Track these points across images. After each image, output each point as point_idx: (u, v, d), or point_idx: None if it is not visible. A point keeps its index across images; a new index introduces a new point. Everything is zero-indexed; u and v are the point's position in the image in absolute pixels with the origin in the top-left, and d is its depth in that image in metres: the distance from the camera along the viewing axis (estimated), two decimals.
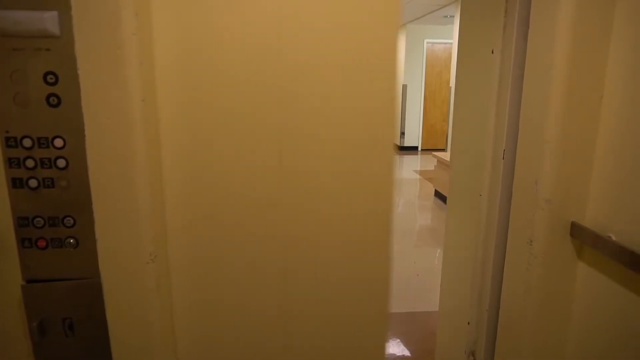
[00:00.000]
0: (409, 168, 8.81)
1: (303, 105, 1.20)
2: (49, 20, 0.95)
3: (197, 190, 1.24)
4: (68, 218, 1.05)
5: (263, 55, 1.17)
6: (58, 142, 1.01)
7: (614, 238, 1.11)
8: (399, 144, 10.54)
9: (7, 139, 1.00)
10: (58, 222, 1.05)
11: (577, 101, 1.13)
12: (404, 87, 10.14)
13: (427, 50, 9.94)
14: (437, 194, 6.48)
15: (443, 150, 9.65)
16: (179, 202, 1.24)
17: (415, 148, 10.62)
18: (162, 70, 1.16)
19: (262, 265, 1.31)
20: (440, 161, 6.02)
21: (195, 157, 1.22)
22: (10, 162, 1.01)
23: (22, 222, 1.04)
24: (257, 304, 1.33)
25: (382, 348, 1.36)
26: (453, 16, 7.92)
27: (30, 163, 1.02)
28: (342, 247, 1.30)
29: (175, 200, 1.23)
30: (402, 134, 10.49)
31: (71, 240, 1.06)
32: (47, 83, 0.99)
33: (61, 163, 1.02)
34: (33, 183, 1.02)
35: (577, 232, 1.19)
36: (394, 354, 2.31)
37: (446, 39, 9.56)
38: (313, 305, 1.34)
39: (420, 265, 3.98)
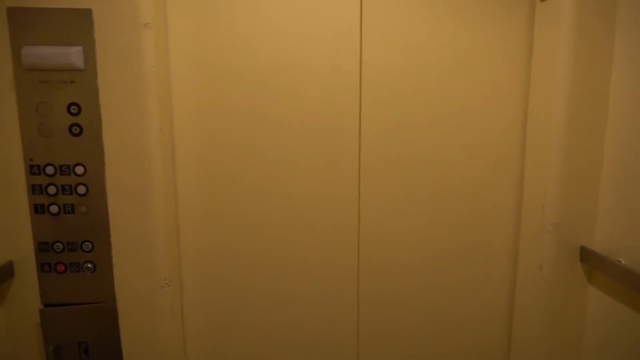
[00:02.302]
0: None
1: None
2: (74, 54, 1.01)
3: (212, 217, 1.27)
4: (86, 243, 1.08)
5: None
6: (79, 170, 1.05)
7: (623, 262, 1.11)
8: None
9: (31, 167, 1.04)
10: (77, 247, 1.08)
11: (582, 124, 1.15)
12: None
13: None
14: None
15: None
16: (194, 228, 1.27)
17: None
18: (179, 100, 1.21)
19: (274, 289, 1.32)
20: None
21: (211, 185, 1.26)
22: (34, 189, 1.05)
23: (42, 247, 1.08)
24: (269, 327, 1.34)
25: None
26: None
27: (52, 190, 1.05)
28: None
29: (190, 226, 1.27)
30: None
31: (89, 265, 1.09)
32: (70, 113, 1.04)
33: (81, 190, 1.06)
34: (54, 209, 1.06)
35: (586, 256, 1.20)
36: None
37: None
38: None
39: None
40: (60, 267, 1.08)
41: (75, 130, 1.04)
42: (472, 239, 1.35)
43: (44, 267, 1.08)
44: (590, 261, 1.19)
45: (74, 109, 1.03)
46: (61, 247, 1.08)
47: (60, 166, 1.05)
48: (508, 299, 1.39)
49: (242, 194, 1.27)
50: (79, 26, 1.01)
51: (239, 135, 1.24)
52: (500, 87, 1.28)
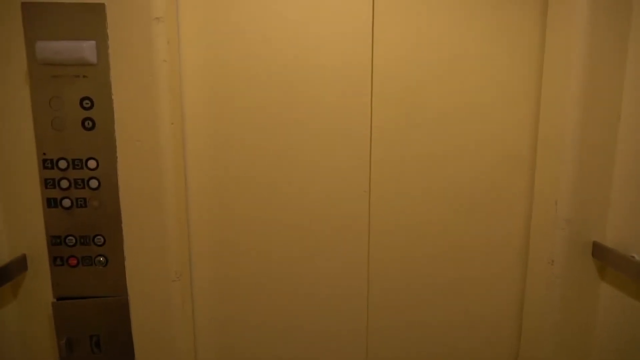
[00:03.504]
0: None
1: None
2: (87, 49, 1.01)
3: (223, 212, 1.28)
4: (98, 237, 1.09)
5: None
6: (91, 164, 1.06)
7: (637, 258, 1.10)
8: None
9: (44, 160, 1.05)
10: (89, 240, 1.09)
11: (595, 120, 1.14)
12: None
13: None
14: None
15: None
16: (205, 223, 1.27)
17: None
18: (191, 95, 1.21)
19: (284, 286, 1.32)
20: None
21: (222, 180, 1.27)
22: (46, 183, 1.06)
23: (55, 241, 1.08)
24: (278, 322, 1.35)
25: None
26: None
27: (64, 184, 1.06)
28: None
29: (200, 221, 1.27)
30: None
31: (101, 259, 1.10)
32: (83, 108, 1.04)
33: (94, 183, 1.07)
34: (67, 203, 1.07)
35: (598, 252, 1.19)
36: None
37: None
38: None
39: None
40: (73, 261, 1.09)
41: (88, 124, 1.05)
42: (482, 234, 1.34)
43: (56, 261, 1.09)
44: (603, 257, 1.18)
45: (86, 103, 1.04)
46: (73, 240, 1.09)
47: (73, 160, 1.06)
48: (519, 295, 1.38)
49: (253, 190, 1.27)
50: (92, 21, 1.01)
51: (250, 131, 1.24)
52: (512, 83, 1.28)
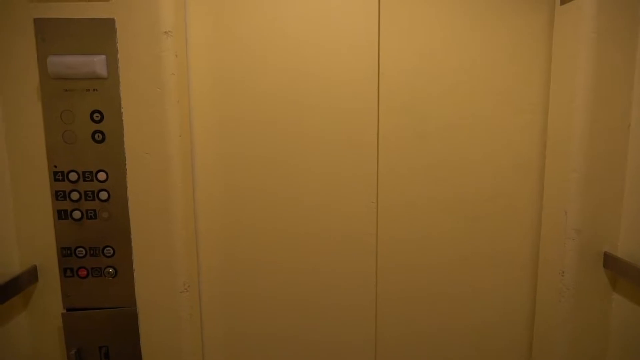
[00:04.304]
0: None
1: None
2: (98, 63, 1.03)
3: (231, 224, 1.29)
4: (108, 248, 1.10)
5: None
6: (101, 176, 1.07)
7: None
8: None
9: (55, 173, 1.07)
10: (99, 252, 1.10)
11: (604, 128, 1.13)
12: None
13: None
14: None
15: None
16: (213, 235, 1.28)
17: None
18: (199, 108, 1.22)
19: (293, 296, 1.32)
20: None
21: (230, 192, 1.27)
22: (57, 195, 1.07)
23: (65, 252, 1.09)
24: (286, 333, 1.34)
25: None
26: None
27: (75, 196, 1.07)
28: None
29: (209, 233, 1.28)
30: None
31: (110, 270, 1.11)
32: (93, 121, 1.06)
33: (103, 195, 1.08)
34: (77, 215, 1.08)
35: (610, 262, 1.17)
36: None
37: None
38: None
39: None
40: (83, 272, 1.10)
41: (98, 137, 1.06)
42: (492, 245, 1.33)
43: (66, 272, 1.10)
44: (614, 267, 1.17)
45: (97, 117, 1.06)
46: (83, 252, 1.10)
47: (84, 172, 1.07)
48: (530, 306, 1.36)
49: (261, 202, 1.28)
50: (102, 35, 1.03)
51: (257, 143, 1.25)
52: (519, 92, 1.27)
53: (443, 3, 1.23)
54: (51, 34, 1.03)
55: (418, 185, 1.30)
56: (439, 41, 1.24)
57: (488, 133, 1.28)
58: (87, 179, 1.07)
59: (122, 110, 1.06)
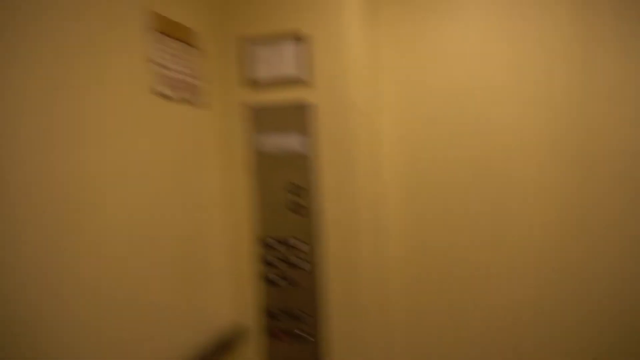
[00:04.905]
0: None
1: None
2: (297, 141, 1.15)
3: (420, 279, 1.32)
4: (307, 315, 1.17)
5: None
6: (303, 246, 1.16)
7: None
8: None
9: (264, 242, 1.19)
10: (299, 317, 1.17)
11: None
12: None
13: None
14: None
15: None
16: (402, 293, 1.32)
17: None
18: (392, 181, 1.31)
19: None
20: None
21: (420, 250, 1.32)
22: (261, 261, 1.19)
23: (269, 316, 1.19)
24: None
25: None
26: None
27: (277, 262, 1.17)
28: None
29: (399, 291, 1.32)
30: None
31: (308, 336, 1.17)
32: (294, 193, 1.16)
33: (306, 265, 1.16)
34: (281, 281, 1.17)
35: None
36: None
37: None
38: None
39: None
40: (283, 336, 1.18)
41: (301, 208, 1.16)
42: None
43: (269, 334, 1.19)
44: None
45: (297, 189, 1.16)
46: (285, 316, 1.18)
47: (287, 241, 1.17)
48: None
49: (450, 258, 1.31)
50: (302, 116, 1.14)
51: (447, 205, 1.30)
52: None
53: None
54: (259, 116, 1.17)
55: None
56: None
57: None
58: (291, 248, 1.17)
59: (320, 183, 1.15)
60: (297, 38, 1.13)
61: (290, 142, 1.15)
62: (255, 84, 1.17)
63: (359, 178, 1.14)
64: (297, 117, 1.15)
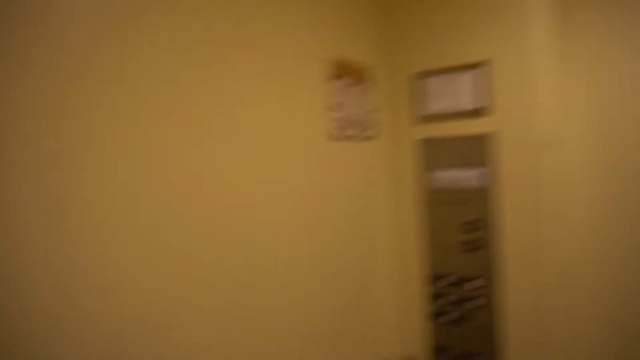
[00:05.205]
0: None
1: None
2: (474, 176, 1.11)
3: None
4: (481, 355, 1.11)
5: None
6: (479, 282, 1.11)
7: None
8: None
9: (430, 276, 1.17)
10: (471, 356, 1.12)
11: None
12: None
13: None
14: None
15: None
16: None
17: None
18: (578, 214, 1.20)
19: None
20: None
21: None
22: (430, 297, 1.16)
23: (437, 352, 1.16)
24: None
25: None
26: None
27: (450, 298, 1.14)
28: None
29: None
30: None
31: None
32: (467, 228, 1.12)
33: (481, 301, 1.11)
34: (449, 317, 1.14)
35: None
36: None
37: None
38: None
39: None
40: None
41: (476, 244, 1.11)
42: None
43: None
44: None
45: (471, 224, 1.12)
46: (455, 354, 1.13)
47: (460, 277, 1.13)
48: None
49: None
50: (478, 149, 1.11)
51: None
52: None
53: None
54: (433, 150, 1.16)
55: None
56: None
57: None
58: (463, 283, 1.13)
59: (498, 218, 1.09)
60: (475, 65, 1.10)
61: (465, 176, 1.12)
62: (428, 118, 1.17)
63: (544, 210, 1.06)
64: (474, 149, 1.12)
